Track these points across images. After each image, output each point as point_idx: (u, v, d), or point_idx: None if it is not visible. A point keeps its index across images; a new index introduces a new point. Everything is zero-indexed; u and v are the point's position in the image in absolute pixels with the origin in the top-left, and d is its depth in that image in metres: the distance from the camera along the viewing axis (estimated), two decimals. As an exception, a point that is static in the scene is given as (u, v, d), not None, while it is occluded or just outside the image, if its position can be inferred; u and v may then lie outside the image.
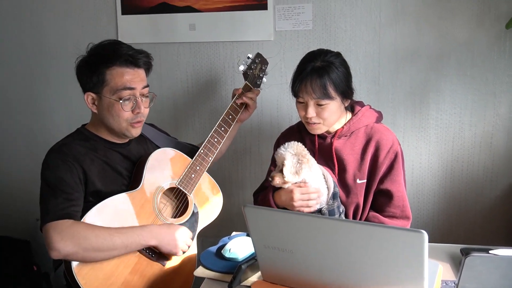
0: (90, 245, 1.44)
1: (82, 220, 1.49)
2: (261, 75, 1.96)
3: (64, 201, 1.49)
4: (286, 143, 1.58)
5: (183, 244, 1.61)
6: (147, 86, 1.64)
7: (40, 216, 1.50)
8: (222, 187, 1.86)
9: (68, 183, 1.51)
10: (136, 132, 1.65)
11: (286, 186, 1.56)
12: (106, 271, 1.51)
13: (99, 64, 1.57)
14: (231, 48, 2.31)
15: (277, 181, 1.55)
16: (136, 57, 1.59)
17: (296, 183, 1.56)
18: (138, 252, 1.56)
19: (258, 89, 1.94)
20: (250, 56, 1.96)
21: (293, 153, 1.55)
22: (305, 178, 1.55)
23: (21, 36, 2.55)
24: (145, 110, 1.63)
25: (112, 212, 1.55)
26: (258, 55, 1.98)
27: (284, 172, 1.52)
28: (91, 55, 1.60)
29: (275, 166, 1.62)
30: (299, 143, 1.59)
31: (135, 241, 1.51)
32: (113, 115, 1.59)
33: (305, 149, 1.59)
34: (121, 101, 1.57)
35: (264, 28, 2.25)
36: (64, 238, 1.42)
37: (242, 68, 1.93)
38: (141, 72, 1.63)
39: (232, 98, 1.89)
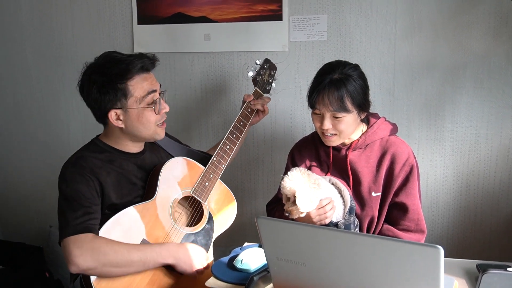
0: (109, 260, 1.44)
1: (99, 232, 1.50)
2: (270, 80, 1.96)
3: (82, 215, 1.49)
4: (289, 174, 1.51)
5: (199, 264, 1.61)
6: (160, 85, 1.67)
7: (59, 229, 1.50)
8: (234, 196, 1.85)
9: (86, 197, 1.52)
10: (163, 132, 1.68)
11: (303, 215, 1.50)
12: (124, 283, 1.51)
13: (117, 80, 1.55)
14: (245, 58, 2.32)
15: (295, 215, 1.49)
16: (148, 63, 1.61)
17: None
18: None
19: (269, 96, 1.94)
20: (259, 62, 1.96)
21: (301, 183, 1.49)
22: (318, 200, 1.52)
23: (38, 45, 2.58)
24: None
25: (128, 223, 1.56)
26: (267, 61, 1.98)
27: (298, 205, 1.45)
28: (103, 76, 1.55)
29: None
30: (301, 168, 1.55)
31: (153, 259, 1.52)
32: (144, 122, 1.60)
33: (309, 172, 1.54)
34: (153, 106, 1.59)
35: (278, 38, 2.25)
36: (84, 253, 1.43)
37: (251, 74, 1.94)
38: (152, 74, 1.65)
39: (243, 104, 1.89)
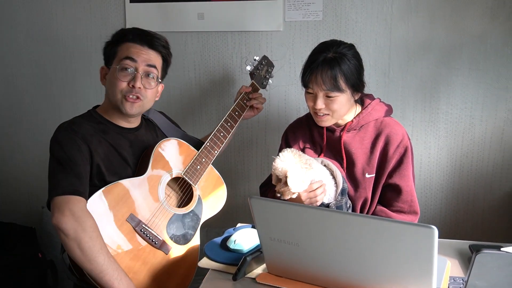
0: (80, 239, 1.42)
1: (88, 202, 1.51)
2: (267, 76, 2.00)
3: (73, 178, 1.50)
4: (280, 154, 1.50)
5: None
6: (154, 67, 1.66)
7: (49, 189, 1.51)
8: (227, 178, 1.85)
9: (77, 162, 1.52)
10: (130, 108, 1.63)
11: (295, 196, 1.49)
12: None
13: (117, 40, 1.67)
14: (239, 38, 2.29)
15: (287, 196, 1.48)
16: (152, 39, 1.66)
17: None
18: (142, 238, 1.56)
19: (265, 91, 1.99)
20: (257, 58, 1.99)
21: (292, 163, 1.48)
22: (310, 180, 1.51)
23: (30, 24, 2.53)
24: (145, 91, 1.63)
25: (118, 196, 1.56)
26: (264, 58, 2.01)
27: (290, 185, 1.45)
28: (114, 35, 1.70)
29: None
30: (292, 149, 1.53)
31: (110, 276, 1.44)
32: (111, 83, 1.64)
33: (301, 153, 1.53)
34: (117, 67, 1.62)
35: (273, 18, 2.22)
36: (69, 216, 1.42)
37: (248, 68, 1.97)
38: (152, 53, 1.66)
39: (239, 94, 1.90)
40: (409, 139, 1.70)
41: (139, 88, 1.61)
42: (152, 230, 1.58)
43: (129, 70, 1.62)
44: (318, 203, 1.54)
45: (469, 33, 2.05)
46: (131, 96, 1.62)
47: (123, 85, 1.61)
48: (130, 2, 2.36)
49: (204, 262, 1.45)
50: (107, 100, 1.68)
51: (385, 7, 2.10)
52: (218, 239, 1.55)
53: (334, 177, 1.61)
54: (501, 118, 2.09)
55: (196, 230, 1.70)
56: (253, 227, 1.56)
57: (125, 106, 1.62)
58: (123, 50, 1.64)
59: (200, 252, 1.69)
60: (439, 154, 2.19)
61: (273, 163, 1.49)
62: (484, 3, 2.01)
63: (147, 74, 1.64)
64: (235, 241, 1.48)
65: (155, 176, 1.64)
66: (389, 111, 1.74)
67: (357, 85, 1.64)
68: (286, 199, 1.51)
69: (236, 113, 1.86)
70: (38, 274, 2.34)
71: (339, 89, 1.59)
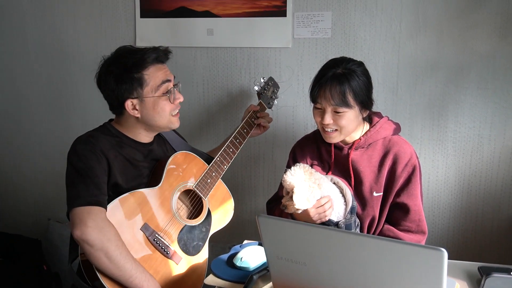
0: (107, 248, 1.44)
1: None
2: (273, 97, 2.07)
3: (94, 189, 1.51)
4: (292, 168, 1.51)
5: None
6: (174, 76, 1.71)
7: (68, 199, 1.51)
8: (234, 193, 1.85)
9: (96, 173, 1.54)
10: (178, 122, 1.71)
11: (299, 212, 1.49)
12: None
13: (133, 70, 1.60)
14: (248, 54, 2.30)
15: (291, 210, 1.49)
16: (163, 55, 1.66)
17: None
18: (154, 248, 1.58)
19: (270, 117, 2.02)
20: (263, 80, 2.05)
21: (301, 180, 1.48)
22: (315, 199, 1.50)
23: (40, 39, 2.57)
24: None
25: (132, 205, 1.58)
26: (271, 79, 2.09)
27: (294, 201, 1.45)
28: (119, 67, 1.60)
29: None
30: (305, 165, 1.53)
31: (139, 280, 1.49)
32: (159, 111, 1.64)
33: (312, 170, 1.53)
34: (168, 95, 1.63)
35: (282, 35, 2.23)
36: (93, 227, 1.43)
37: (256, 88, 2.03)
38: (166, 65, 1.69)
39: (247, 112, 1.95)
40: (417, 157, 1.69)
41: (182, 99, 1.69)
42: (164, 240, 1.60)
43: (171, 90, 1.65)
44: (327, 218, 1.53)
45: (477, 52, 2.05)
46: (177, 112, 1.69)
47: (171, 107, 1.66)
48: (141, 17, 2.39)
49: (210, 279, 1.44)
50: (130, 121, 1.67)
51: (393, 25, 2.11)
52: (225, 256, 1.55)
53: (343, 195, 1.60)
54: (510, 138, 2.08)
55: (205, 242, 1.72)
56: (260, 244, 1.55)
57: (175, 124, 1.70)
58: (153, 77, 1.61)
59: (206, 268, 1.69)
60: (447, 173, 2.17)
61: (284, 176, 1.51)
62: (493, 22, 2.01)
63: (176, 86, 1.69)
64: (241, 258, 1.47)
65: (168, 187, 1.67)
66: (397, 129, 1.74)
67: (365, 102, 1.64)
68: (290, 212, 1.51)
69: (245, 130, 1.90)
70: (43, 287, 2.33)
71: (347, 105, 1.59)
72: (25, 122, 2.69)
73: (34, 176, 2.71)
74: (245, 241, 1.67)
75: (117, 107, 1.65)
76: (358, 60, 1.68)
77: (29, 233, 2.63)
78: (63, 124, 2.62)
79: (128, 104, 1.62)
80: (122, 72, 1.60)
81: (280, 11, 2.21)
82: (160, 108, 1.63)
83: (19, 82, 2.64)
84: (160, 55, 1.64)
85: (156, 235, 1.59)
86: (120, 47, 1.67)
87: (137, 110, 1.63)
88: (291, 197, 1.47)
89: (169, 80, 1.65)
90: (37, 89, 2.63)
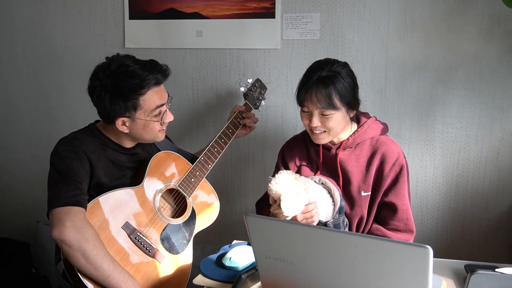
0: (85, 249, 1.44)
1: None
2: (260, 97, 2.08)
3: (75, 189, 1.51)
4: (277, 176, 1.49)
5: None
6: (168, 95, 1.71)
7: (49, 199, 1.51)
8: (224, 194, 1.85)
9: (78, 174, 1.54)
10: (163, 136, 1.73)
11: (288, 218, 1.48)
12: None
13: (130, 96, 1.57)
14: (237, 55, 2.31)
15: (281, 218, 1.47)
16: (162, 78, 1.63)
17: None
18: (136, 246, 1.58)
19: (256, 118, 2.01)
20: (250, 81, 2.06)
21: (286, 187, 1.47)
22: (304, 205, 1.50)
23: (29, 39, 2.55)
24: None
25: (113, 204, 1.58)
26: (258, 80, 2.09)
27: (283, 209, 1.45)
28: (115, 89, 1.56)
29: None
30: (288, 171, 1.52)
31: (117, 280, 1.49)
32: (148, 131, 1.65)
33: (298, 176, 1.52)
34: (160, 121, 1.64)
35: (271, 36, 2.24)
36: (71, 227, 1.44)
37: (242, 89, 2.04)
38: (163, 85, 1.67)
39: (232, 113, 1.96)
40: (405, 157, 1.71)
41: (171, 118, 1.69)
42: (146, 238, 1.61)
43: (162, 112, 1.64)
44: (315, 223, 1.54)
45: (464, 53, 2.07)
46: (164, 128, 1.70)
47: (158, 126, 1.66)
48: (130, 19, 2.39)
49: (199, 279, 1.44)
50: (114, 128, 1.65)
51: (381, 27, 2.13)
52: (214, 256, 1.55)
53: (331, 195, 1.61)
54: (497, 138, 2.10)
55: (189, 241, 1.72)
56: (249, 244, 1.55)
57: (160, 138, 1.71)
58: (148, 102, 1.59)
59: (195, 269, 1.69)
60: (435, 173, 2.19)
61: (269, 185, 1.49)
62: (479, 23, 2.03)
63: (168, 101, 1.68)
64: (230, 258, 1.47)
65: (150, 186, 1.68)
66: (385, 129, 1.75)
67: (352, 102, 1.65)
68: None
69: (230, 130, 1.91)
70: (31, 290, 2.32)
71: (334, 107, 1.60)
72: (14, 123, 2.67)
73: (23, 179, 2.69)
74: (234, 241, 1.68)
75: (107, 119, 1.63)
76: (344, 61, 1.69)
77: (18, 236, 2.61)
78: (52, 125, 2.61)
79: (119, 121, 1.61)
80: (118, 96, 1.56)
81: (269, 13, 2.22)
82: (149, 128, 1.64)
83: (7, 84, 2.63)
84: (159, 79, 1.61)
85: (138, 233, 1.59)
86: (118, 59, 1.60)
87: (126, 126, 1.63)
88: (279, 205, 1.46)
89: (163, 104, 1.64)
90: (25, 90, 2.61)
